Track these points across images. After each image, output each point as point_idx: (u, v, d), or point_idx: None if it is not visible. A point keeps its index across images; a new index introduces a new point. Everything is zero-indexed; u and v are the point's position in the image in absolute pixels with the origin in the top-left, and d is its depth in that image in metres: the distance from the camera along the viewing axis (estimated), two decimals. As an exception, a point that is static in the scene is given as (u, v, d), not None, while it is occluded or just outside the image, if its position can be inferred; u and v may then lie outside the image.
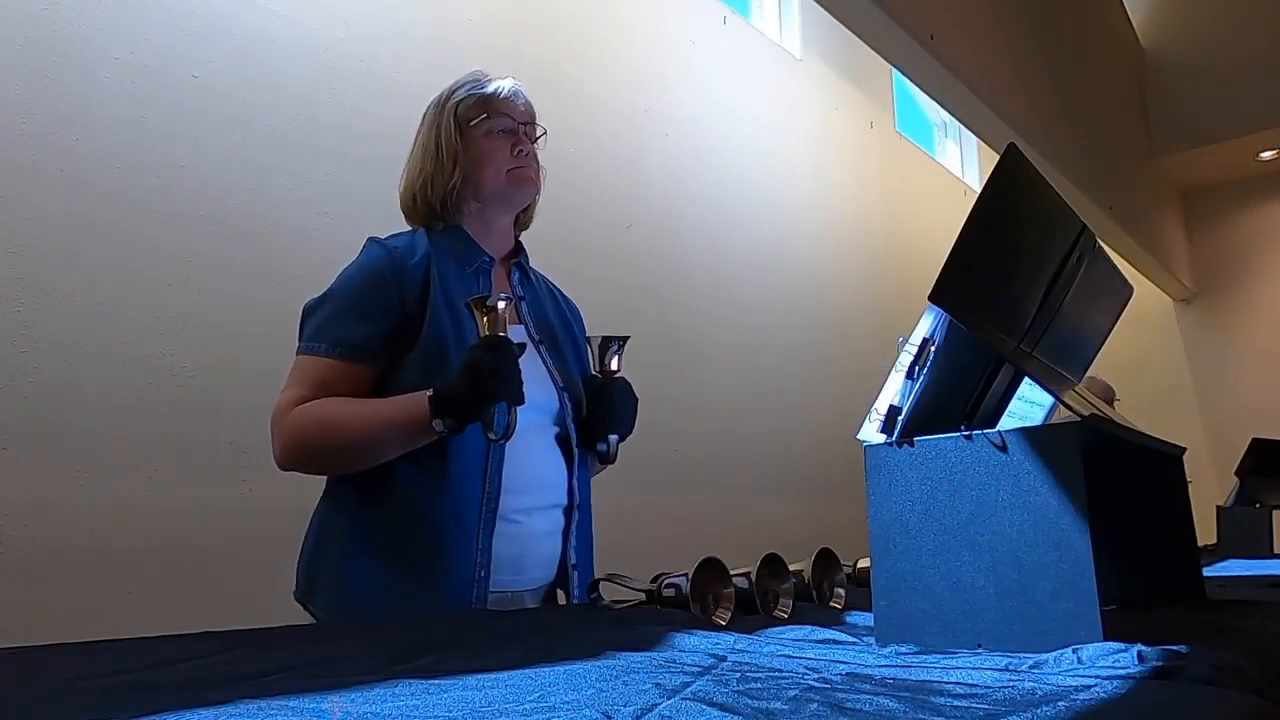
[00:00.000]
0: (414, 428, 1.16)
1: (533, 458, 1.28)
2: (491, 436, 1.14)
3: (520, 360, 1.18)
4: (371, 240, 1.31)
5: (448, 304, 1.26)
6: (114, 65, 1.85)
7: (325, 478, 1.31)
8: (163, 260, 1.88)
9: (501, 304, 1.15)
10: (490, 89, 1.35)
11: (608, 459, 1.36)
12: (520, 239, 1.44)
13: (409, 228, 1.37)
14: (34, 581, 1.63)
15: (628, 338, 1.36)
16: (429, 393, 1.15)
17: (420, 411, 1.14)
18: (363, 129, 2.25)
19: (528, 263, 1.44)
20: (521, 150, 1.34)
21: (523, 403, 1.14)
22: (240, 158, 2.03)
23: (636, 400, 1.37)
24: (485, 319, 1.14)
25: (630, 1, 3.29)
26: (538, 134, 1.39)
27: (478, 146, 1.32)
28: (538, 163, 1.38)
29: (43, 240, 1.72)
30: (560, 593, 1.33)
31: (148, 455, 1.81)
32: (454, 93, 1.35)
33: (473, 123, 1.32)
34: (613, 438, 1.34)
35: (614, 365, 1.35)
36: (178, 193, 1.92)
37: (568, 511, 1.32)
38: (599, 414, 1.34)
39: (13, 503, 1.63)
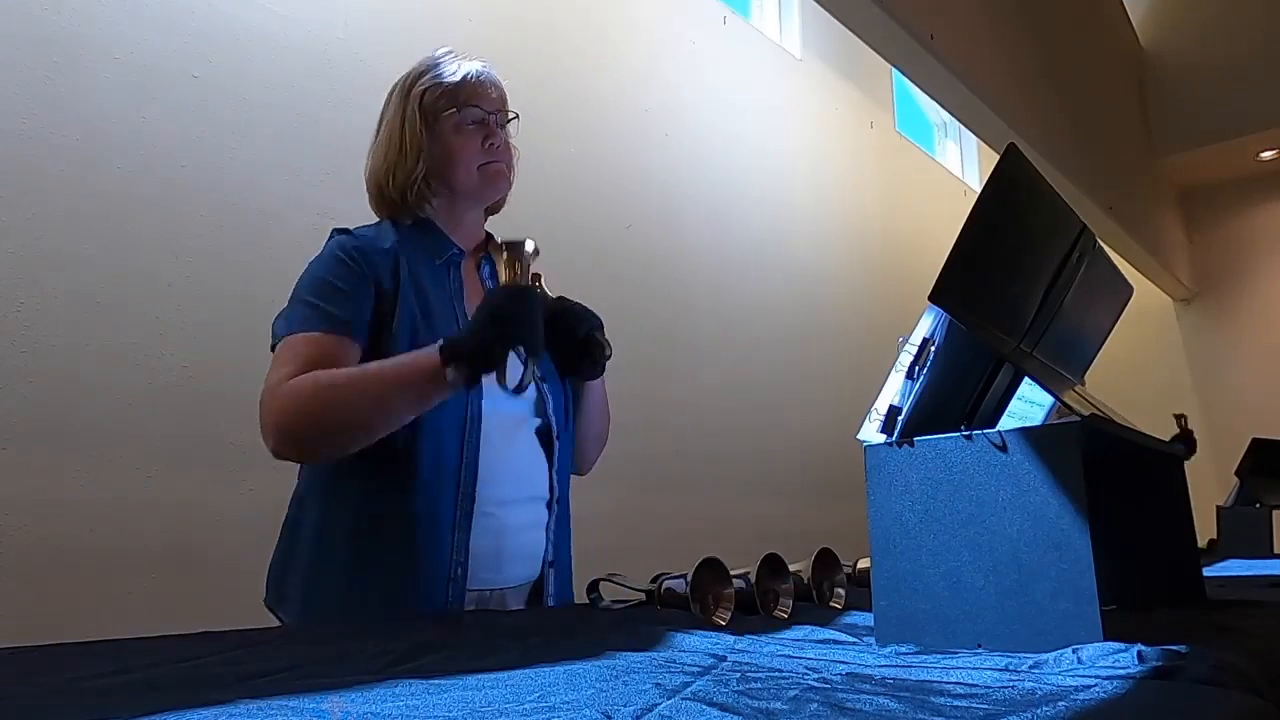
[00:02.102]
0: (423, 380, 1.08)
1: (509, 447, 1.22)
2: (505, 386, 1.06)
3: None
4: (336, 230, 1.26)
5: (417, 294, 1.21)
6: (114, 65, 1.85)
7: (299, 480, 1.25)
8: (163, 260, 1.88)
9: (530, 246, 1.08)
10: (458, 77, 1.28)
11: (605, 357, 1.28)
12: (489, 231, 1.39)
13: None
14: (34, 581, 1.63)
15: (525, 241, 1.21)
16: (439, 343, 1.08)
17: (430, 363, 1.07)
18: (362, 129, 2.25)
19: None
20: (492, 143, 1.28)
21: (541, 353, 1.07)
22: (240, 157, 2.03)
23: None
24: (507, 264, 1.08)
25: (630, 1, 3.29)
26: (509, 119, 1.33)
27: (446, 142, 1.27)
28: (510, 151, 1.32)
29: (43, 240, 1.72)
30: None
31: (148, 455, 1.81)
32: (420, 78, 1.29)
33: (441, 115, 1.27)
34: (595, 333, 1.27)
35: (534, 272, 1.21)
36: (177, 192, 1.92)
37: (549, 506, 1.27)
38: (569, 319, 1.27)
39: (13, 502, 1.63)
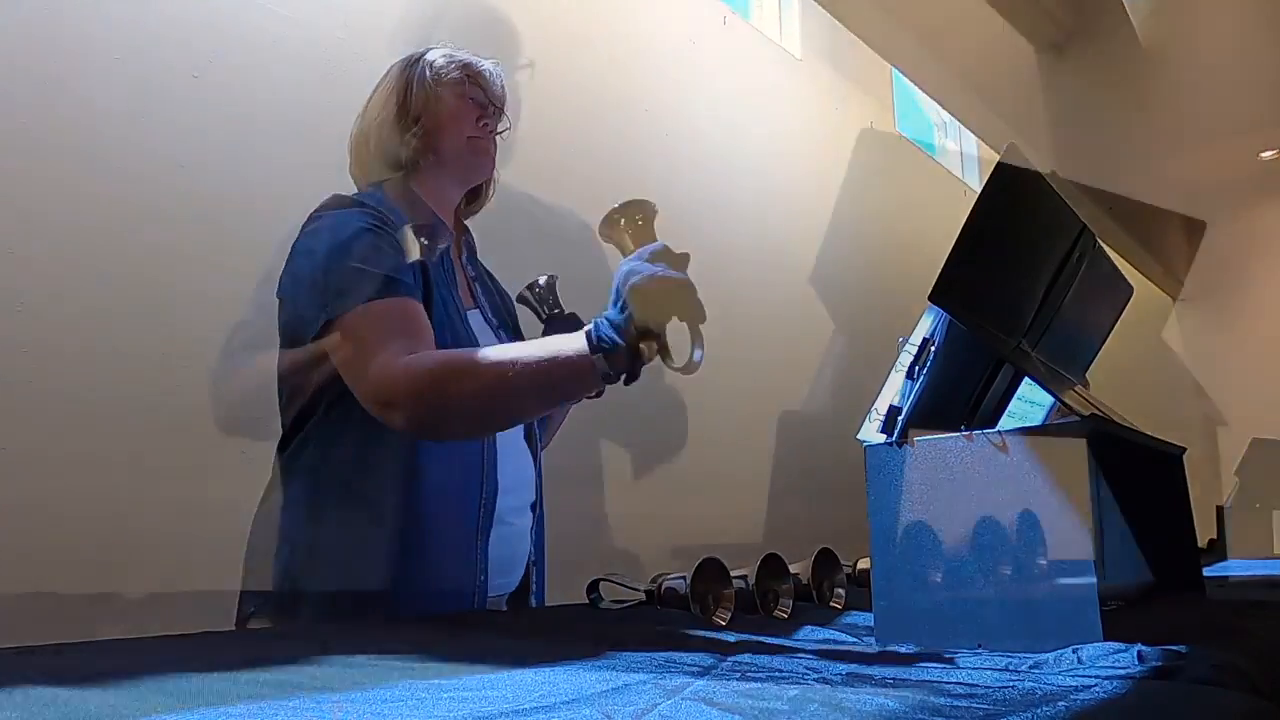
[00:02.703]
0: (572, 375, 0.96)
1: (512, 452, 1.22)
2: (673, 364, 0.93)
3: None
4: (343, 198, 1.22)
5: (424, 278, 1.17)
6: (114, 65, 1.85)
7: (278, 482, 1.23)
8: (162, 260, 1.88)
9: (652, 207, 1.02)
10: (470, 59, 1.31)
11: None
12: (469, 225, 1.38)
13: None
14: (34, 581, 1.63)
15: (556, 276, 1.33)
16: (585, 331, 0.97)
17: (574, 350, 0.95)
18: (363, 129, 2.25)
19: (474, 243, 1.37)
20: (485, 124, 1.28)
21: (704, 319, 0.95)
22: (240, 158, 2.03)
23: None
24: (631, 230, 0.99)
25: (630, 1, 3.29)
26: (502, 124, 1.32)
27: (445, 103, 1.26)
28: (495, 149, 1.32)
29: (42, 240, 1.72)
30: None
31: (149, 455, 1.81)
32: (428, 51, 1.31)
33: (445, 79, 1.27)
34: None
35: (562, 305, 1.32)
36: (177, 192, 1.92)
37: (533, 507, 1.27)
38: None
39: (13, 502, 1.63)
